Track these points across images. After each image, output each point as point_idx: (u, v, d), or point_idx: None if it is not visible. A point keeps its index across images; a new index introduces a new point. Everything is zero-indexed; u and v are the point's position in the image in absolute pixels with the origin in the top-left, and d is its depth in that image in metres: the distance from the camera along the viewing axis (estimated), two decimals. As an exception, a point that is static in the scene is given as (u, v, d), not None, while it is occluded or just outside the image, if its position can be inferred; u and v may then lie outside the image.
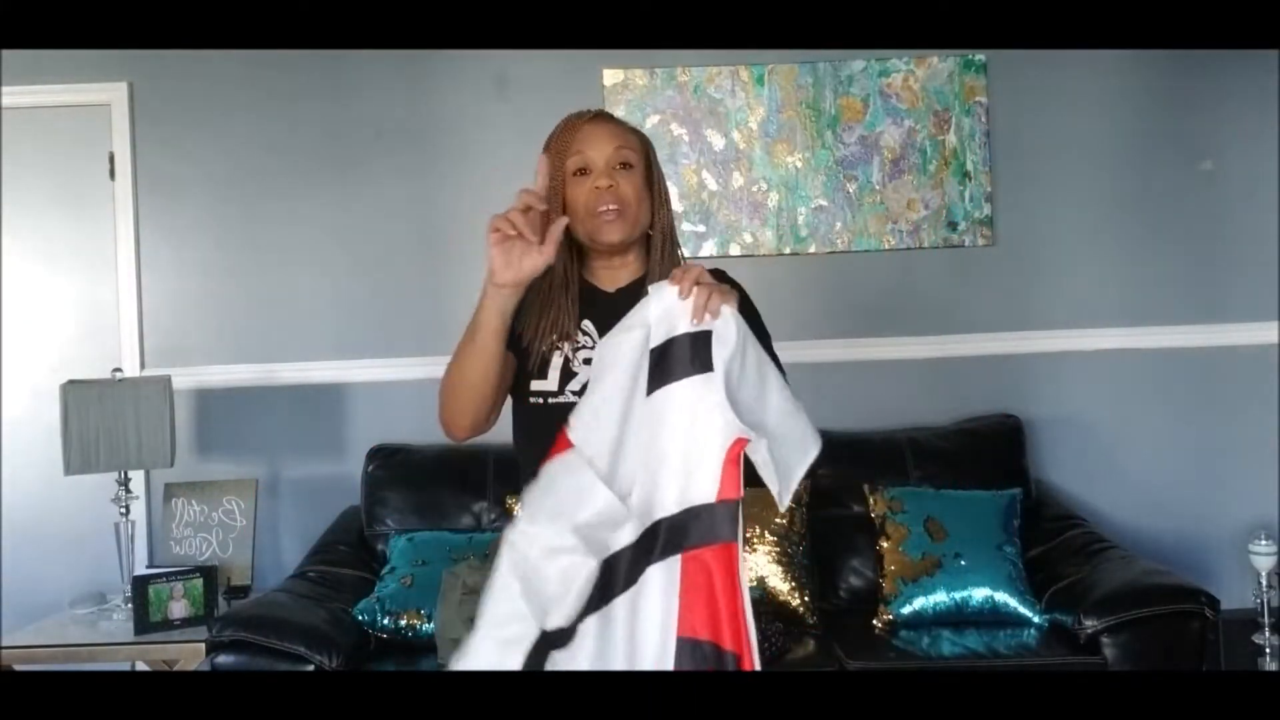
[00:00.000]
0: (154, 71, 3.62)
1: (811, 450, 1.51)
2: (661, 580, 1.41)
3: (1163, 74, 3.65)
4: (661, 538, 1.42)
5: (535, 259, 1.54)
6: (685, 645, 1.41)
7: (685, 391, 1.44)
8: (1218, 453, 3.62)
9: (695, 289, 1.46)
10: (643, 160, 1.74)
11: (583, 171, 1.71)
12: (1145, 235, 3.66)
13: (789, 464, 1.49)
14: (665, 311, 1.47)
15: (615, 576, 1.40)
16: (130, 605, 3.07)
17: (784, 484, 1.48)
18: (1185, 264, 3.64)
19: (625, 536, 1.41)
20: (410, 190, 3.67)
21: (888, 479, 3.30)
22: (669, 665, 1.41)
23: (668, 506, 1.42)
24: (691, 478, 1.42)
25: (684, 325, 1.46)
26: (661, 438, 1.43)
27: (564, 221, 1.58)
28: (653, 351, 1.46)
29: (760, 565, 3.09)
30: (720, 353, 1.45)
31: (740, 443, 1.43)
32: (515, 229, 1.53)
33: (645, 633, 1.41)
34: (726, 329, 1.45)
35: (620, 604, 1.41)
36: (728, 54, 3.60)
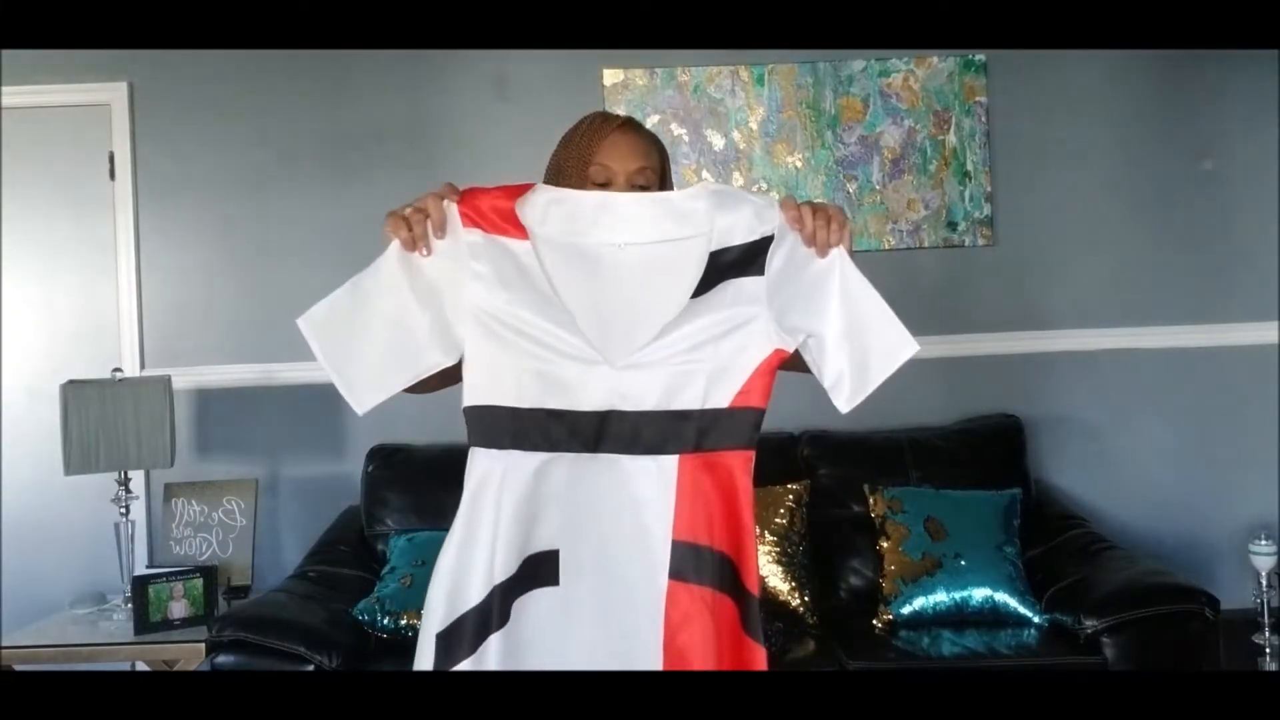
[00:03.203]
0: (154, 71, 3.62)
1: (903, 352, 1.47)
2: (656, 476, 1.36)
3: (1163, 74, 3.65)
4: (670, 431, 1.36)
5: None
6: (681, 549, 1.36)
7: (730, 295, 1.39)
8: (1218, 453, 3.62)
9: (815, 221, 1.41)
10: (658, 179, 1.72)
11: (604, 183, 1.67)
12: (1145, 235, 3.66)
13: (866, 363, 1.45)
14: (737, 220, 1.41)
15: (589, 436, 1.36)
16: (130, 605, 3.07)
17: (857, 382, 1.45)
18: (1185, 264, 3.64)
19: (594, 394, 1.35)
20: (410, 190, 3.58)
21: (888, 479, 3.30)
22: (665, 570, 1.37)
23: (690, 401, 1.36)
24: (718, 379, 1.37)
25: (755, 234, 1.41)
26: (691, 335, 1.37)
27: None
28: (712, 254, 1.41)
29: (760, 565, 3.09)
30: (777, 255, 1.41)
31: (779, 354, 1.39)
32: (417, 219, 1.43)
33: (637, 532, 1.36)
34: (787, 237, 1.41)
35: (606, 494, 1.37)
36: (728, 54, 3.60)
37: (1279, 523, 3.39)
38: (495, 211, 1.42)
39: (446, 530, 3.33)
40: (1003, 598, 3.01)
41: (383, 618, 2.98)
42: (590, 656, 1.40)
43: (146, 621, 3.01)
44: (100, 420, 3.12)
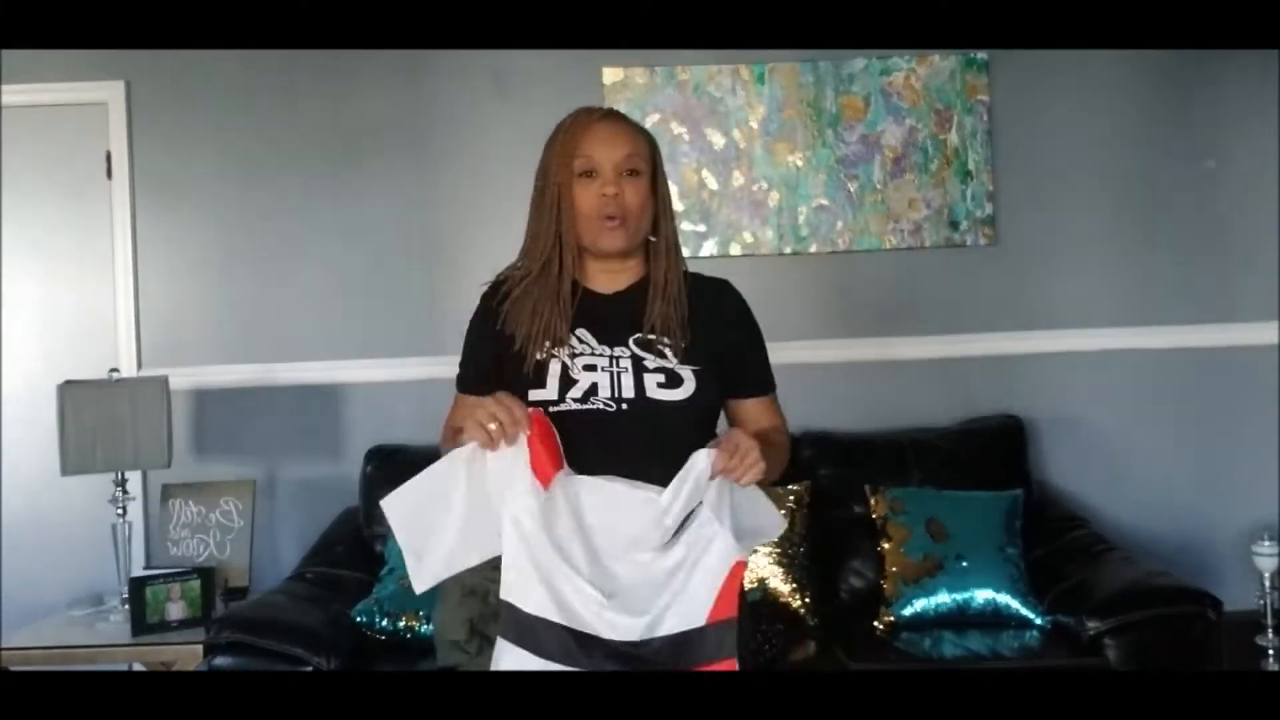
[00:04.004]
0: (151, 70, 3.60)
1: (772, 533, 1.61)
2: None
3: (1164, 74, 3.64)
4: (660, 654, 1.48)
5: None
6: None
7: (690, 530, 1.52)
8: (1220, 453, 3.60)
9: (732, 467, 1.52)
10: (650, 166, 1.71)
11: (589, 174, 1.67)
12: (1147, 235, 3.65)
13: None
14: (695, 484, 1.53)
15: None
16: (127, 607, 3.06)
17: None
18: (1187, 264, 3.63)
19: (607, 628, 1.49)
20: (409, 189, 3.66)
21: (889, 480, 3.28)
22: None
23: (670, 627, 1.49)
24: (689, 604, 1.49)
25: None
26: (664, 573, 1.51)
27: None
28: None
29: (761, 567, 3.08)
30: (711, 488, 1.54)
31: (740, 565, 1.50)
32: (499, 432, 1.52)
33: None
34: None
35: None
36: (728, 53, 3.59)
37: (1282, 524, 3.38)
38: (545, 452, 1.54)
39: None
40: (1004, 599, 3.00)
41: (381, 619, 2.97)
42: None
43: (144, 623, 2.99)
44: (97, 421, 3.11)
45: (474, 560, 1.55)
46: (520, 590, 1.50)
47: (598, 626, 1.48)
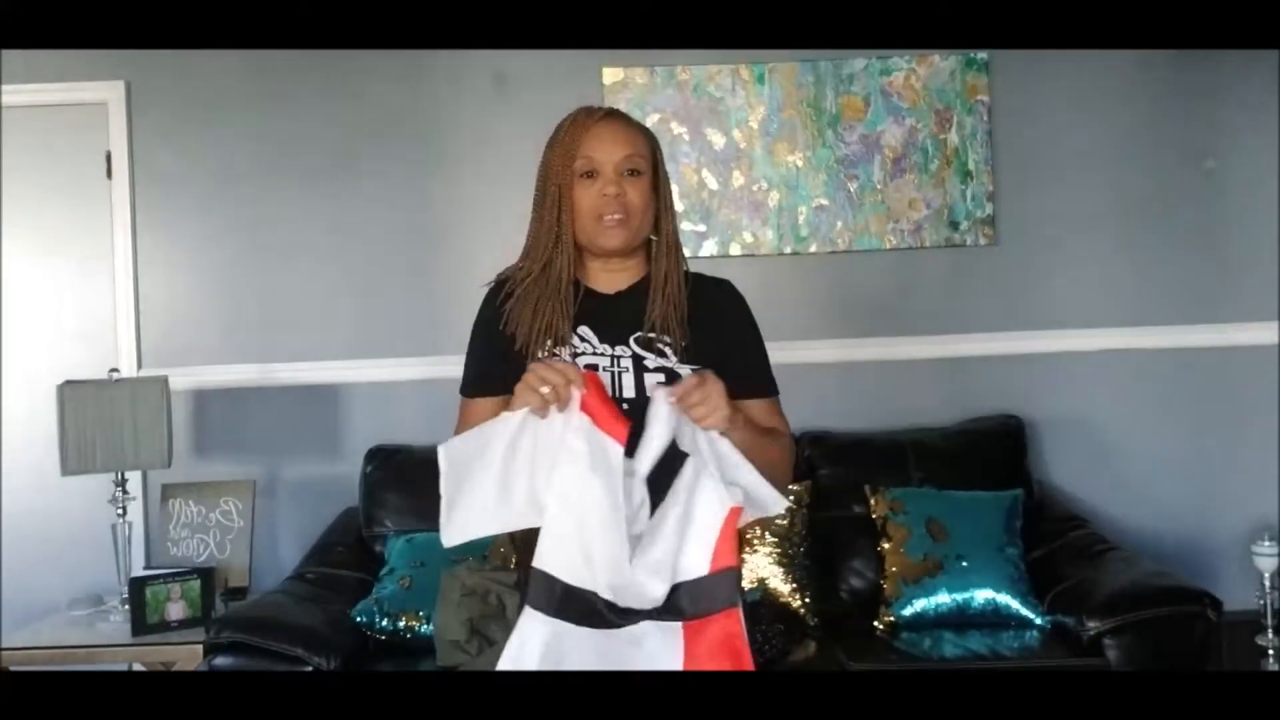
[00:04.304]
0: (151, 70, 3.60)
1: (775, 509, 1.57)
2: (661, 640, 1.48)
3: (1164, 74, 3.63)
4: (672, 608, 1.48)
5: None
6: None
7: (682, 477, 1.50)
8: (1220, 453, 3.60)
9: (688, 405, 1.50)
10: (650, 166, 1.71)
11: (590, 174, 1.67)
12: (1147, 235, 3.64)
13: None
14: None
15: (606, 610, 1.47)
16: (127, 607, 3.06)
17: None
18: (1187, 264, 3.63)
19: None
20: (409, 189, 3.66)
21: (889, 480, 3.28)
22: None
23: (678, 574, 1.48)
24: (690, 553, 1.48)
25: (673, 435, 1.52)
26: (666, 527, 1.49)
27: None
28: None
29: (761, 567, 3.08)
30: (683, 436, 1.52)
31: (735, 511, 1.48)
32: (551, 395, 1.49)
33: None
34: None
35: (621, 650, 1.48)
36: (728, 53, 3.59)
37: (1282, 524, 3.38)
38: (608, 411, 1.51)
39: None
40: (1005, 599, 3.00)
41: (381, 619, 2.97)
42: None
43: (144, 623, 2.99)
44: (97, 421, 3.11)
45: (496, 529, 1.52)
46: (562, 560, 1.48)
47: (630, 595, 1.48)
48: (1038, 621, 2.98)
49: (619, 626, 1.47)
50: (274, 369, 3.61)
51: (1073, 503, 3.51)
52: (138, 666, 3.30)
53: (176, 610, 3.04)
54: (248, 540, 3.29)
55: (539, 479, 1.49)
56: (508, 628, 2.79)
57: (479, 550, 3.08)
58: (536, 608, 1.49)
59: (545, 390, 1.47)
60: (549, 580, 1.48)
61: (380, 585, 3.09)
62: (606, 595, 1.47)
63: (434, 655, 2.85)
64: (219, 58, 3.56)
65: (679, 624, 1.47)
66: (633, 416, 1.53)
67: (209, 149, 3.64)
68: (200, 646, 2.84)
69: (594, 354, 1.66)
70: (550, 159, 1.70)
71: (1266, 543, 3.08)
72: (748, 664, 1.48)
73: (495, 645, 2.71)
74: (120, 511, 3.19)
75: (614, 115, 1.74)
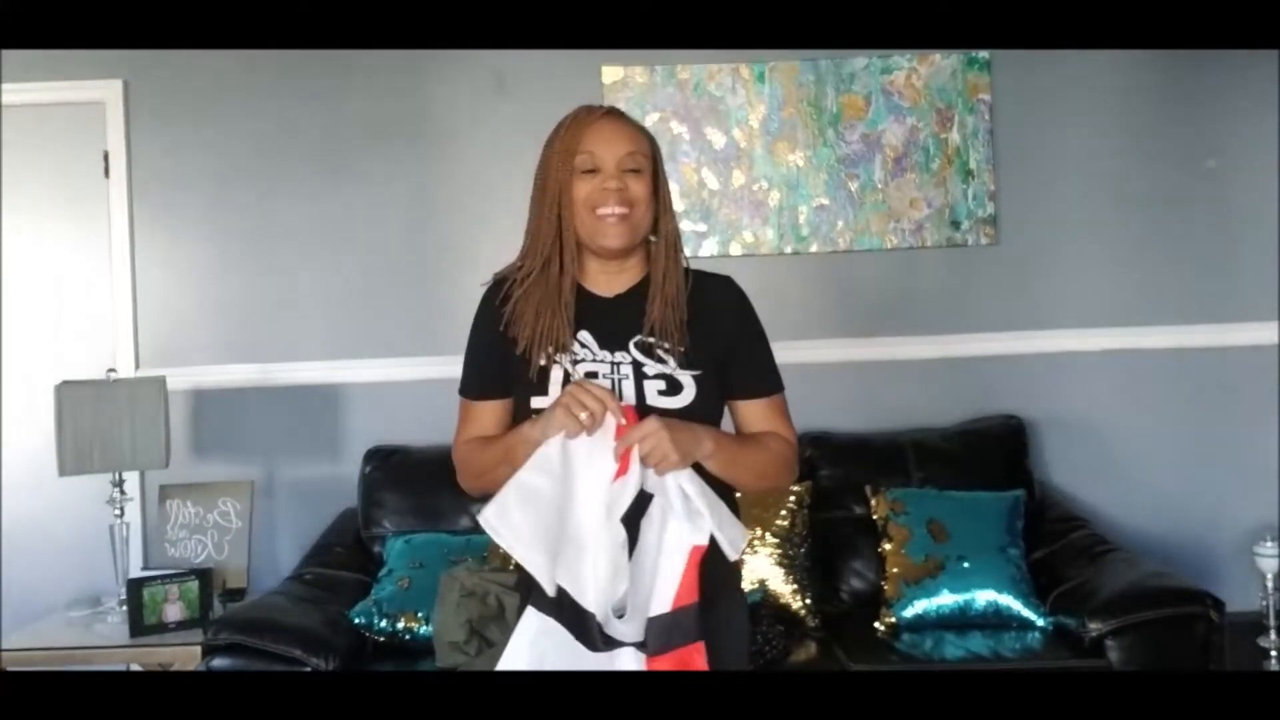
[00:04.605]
0: (149, 69, 3.59)
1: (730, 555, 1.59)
2: (634, 669, 1.51)
3: (1164, 73, 3.63)
4: (642, 639, 1.52)
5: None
6: None
7: (651, 525, 1.53)
8: (1223, 454, 3.60)
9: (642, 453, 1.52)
10: (650, 165, 1.70)
11: (590, 171, 1.66)
12: (1148, 235, 3.64)
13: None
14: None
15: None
16: (125, 608, 3.05)
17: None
18: (1187, 264, 3.63)
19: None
20: (408, 189, 3.65)
21: (890, 480, 3.28)
22: None
23: (646, 611, 1.52)
24: (654, 591, 1.52)
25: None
26: (635, 554, 1.53)
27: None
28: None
29: (762, 567, 3.07)
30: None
31: (697, 550, 1.51)
32: (589, 420, 1.52)
33: None
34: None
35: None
36: (729, 52, 3.58)
37: (1284, 524, 3.37)
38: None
39: (444, 532, 3.33)
40: (1006, 600, 2.99)
41: (380, 620, 2.96)
42: None
43: (142, 624, 2.99)
44: (95, 421, 3.10)
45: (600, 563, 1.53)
46: (571, 576, 1.51)
47: (614, 627, 1.52)
48: (1039, 623, 2.97)
49: (602, 650, 1.51)
50: (272, 369, 3.60)
51: (1074, 503, 3.50)
52: (135, 667, 3.30)
53: (174, 611, 3.03)
54: (246, 541, 3.28)
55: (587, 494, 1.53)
56: (507, 629, 2.77)
57: (478, 551, 3.08)
58: (546, 612, 1.53)
59: (584, 416, 1.50)
60: (565, 593, 1.51)
61: (379, 586, 3.08)
62: (599, 619, 1.50)
63: (433, 656, 2.84)
64: (217, 57, 3.55)
65: (644, 657, 1.51)
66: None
67: (207, 148, 3.64)
68: (198, 647, 2.83)
69: (593, 360, 1.65)
70: (549, 156, 1.69)
71: (1268, 543, 3.07)
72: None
73: (494, 646, 2.70)
74: (118, 512, 3.18)
75: (614, 114, 1.73)
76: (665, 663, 1.50)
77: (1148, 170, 3.64)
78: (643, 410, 1.59)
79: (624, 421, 1.52)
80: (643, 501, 1.52)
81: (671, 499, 1.52)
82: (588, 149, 1.66)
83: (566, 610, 1.51)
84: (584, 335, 1.67)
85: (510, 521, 1.50)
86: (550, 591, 1.50)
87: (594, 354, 1.65)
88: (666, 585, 1.51)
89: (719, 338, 1.70)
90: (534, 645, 1.52)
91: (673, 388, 1.63)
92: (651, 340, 1.66)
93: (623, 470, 1.51)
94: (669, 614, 1.50)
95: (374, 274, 3.64)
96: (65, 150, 3.61)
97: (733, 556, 1.56)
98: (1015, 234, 3.63)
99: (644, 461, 1.51)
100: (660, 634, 1.50)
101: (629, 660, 1.50)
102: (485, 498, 1.55)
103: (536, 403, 1.63)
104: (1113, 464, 3.60)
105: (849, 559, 3.27)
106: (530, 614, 1.54)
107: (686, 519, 1.51)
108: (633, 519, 1.51)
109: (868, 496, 3.25)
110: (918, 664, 2.84)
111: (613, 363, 1.64)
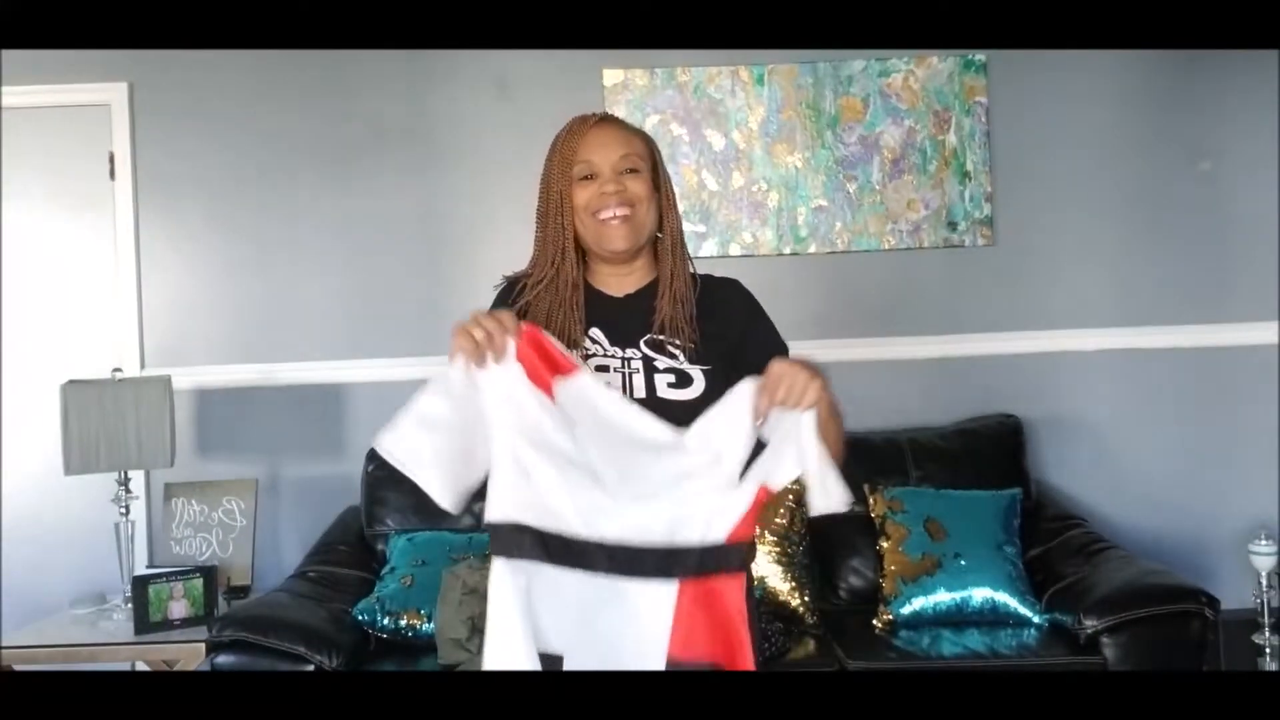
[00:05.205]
0: (154, 71, 3.61)
1: (836, 506, 1.52)
2: (656, 600, 1.46)
3: (1163, 74, 3.64)
4: (667, 561, 1.47)
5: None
6: (675, 664, 1.45)
7: (724, 443, 1.50)
8: (1218, 453, 3.61)
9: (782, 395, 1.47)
10: (649, 165, 1.73)
11: (589, 177, 1.69)
12: (1145, 235, 3.65)
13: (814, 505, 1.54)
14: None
15: (602, 563, 1.46)
16: (130, 605, 3.07)
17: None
18: (1185, 264, 3.64)
19: (613, 528, 1.47)
20: (410, 190, 3.67)
21: (888, 479, 3.29)
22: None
23: (691, 538, 1.48)
24: (714, 520, 1.48)
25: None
26: (693, 482, 1.49)
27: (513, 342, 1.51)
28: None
29: (760, 565, 3.09)
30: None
31: (765, 492, 1.49)
32: (480, 344, 1.48)
33: (635, 650, 1.47)
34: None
35: (607, 611, 1.47)
36: (728, 54, 3.60)
37: (1279, 523, 3.38)
38: (542, 359, 1.51)
39: (447, 530, 3.33)
40: (1003, 598, 3.01)
41: (383, 618, 2.98)
42: None
43: (146, 622, 3.00)
44: (100, 420, 3.11)
45: (477, 480, 1.52)
46: (515, 506, 1.48)
47: (607, 530, 1.46)
48: (1035, 620, 2.99)
49: (605, 573, 1.46)
50: (276, 369, 3.62)
51: (1070, 502, 3.52)
52: (140, 665, 3.32)
53: (179, 609, 3.04)
54: (250, 539, 3.30)
55: (489, 430, 1.49)
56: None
57: (480, 549, 3.09)
58: (503, 555, 1.48)
59: (479, 335, 1.47)
60: (513, 529, 1.47)
61: (382, 584, 3.10)
62: (581, 535, 1.46)
63: (435, 654, 2.86)
64: (222, 59, 3.57)
65: (675, 582, 1.46)
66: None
67: (211, 150, 3.65)
68: (203, 645, 2.85)
69: (604, 356, 1.67)
70: (549, 169, 1.73)
71: (1263, 541, 3.09)
72: (741, 630, 1.48)
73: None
74: (123, 510, 3.20)
75: (608, 119, 1.77)
76: (700, 585, 1.46)
77: (1144, 171, 3.65)
78: (654, 404, 1.61)
79: (517, 344, 1.48)
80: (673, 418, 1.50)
81: (781, 440, 1.47)
82: (584, 157, 1.69)
83: (536, 543, 1.46)
84: (595, 332, 1.70)
85: (406, 445, 1.49)
86: (451, 510, 1.49)
87: (605, 350, 1.68)
88: (722, 519, 1.47)
89: (728, 334, 1.72)
90: (518, 593, 1.46)
91: (682, 381, 1.65)
92: (662, 337, 1.69)
93: (548, 390, 1.47)
94: (720, 546, 1.48)
95: (377, 274, 3.66)
96: (71, 152, 3.63)
97: (825, 509, 1.50)
98: (1012, 235, 3.65)
99: (782, 402, 1.46)
100: (705, 562, 1.47)
101: (640, 589, 1.45)
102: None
103: None
104: (1109, 463, 3.61)
105: (847, 557, 3.29)
106: (497, 568, 1.48)
107: (774, 457, 1.48)
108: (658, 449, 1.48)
109: (866, 495, 3.27)
110: (915, 661, 2.86)
111: (623, 358, 1.67)
